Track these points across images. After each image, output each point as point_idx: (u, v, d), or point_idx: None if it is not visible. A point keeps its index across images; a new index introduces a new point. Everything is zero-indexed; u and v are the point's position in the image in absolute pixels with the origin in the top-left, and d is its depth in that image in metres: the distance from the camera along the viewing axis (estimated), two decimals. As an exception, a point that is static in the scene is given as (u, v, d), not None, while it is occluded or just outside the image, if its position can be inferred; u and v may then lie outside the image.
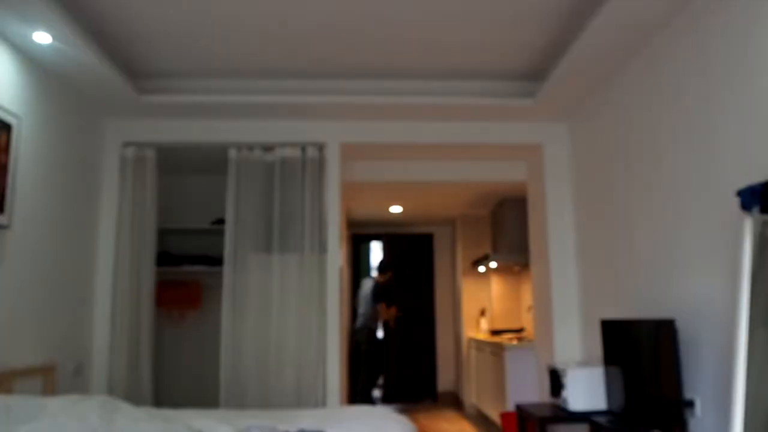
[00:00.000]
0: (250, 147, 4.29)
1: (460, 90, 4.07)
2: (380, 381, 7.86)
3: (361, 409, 3.18)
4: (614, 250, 3.65)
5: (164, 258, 4.83)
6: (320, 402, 4.01)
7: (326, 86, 4.03)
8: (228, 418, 2.70)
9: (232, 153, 4.28)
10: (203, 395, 4.88)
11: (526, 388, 5.13)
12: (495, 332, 6.93)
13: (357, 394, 6.81)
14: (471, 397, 7.06)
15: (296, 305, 4.11)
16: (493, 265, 6.81)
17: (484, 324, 7.25)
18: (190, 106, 4.03)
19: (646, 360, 2.93)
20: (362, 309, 7.04)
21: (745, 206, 2.18)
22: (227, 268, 4.15)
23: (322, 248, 4.20)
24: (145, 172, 4.24)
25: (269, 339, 4.08)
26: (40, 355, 3.37)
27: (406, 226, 8.33)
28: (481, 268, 7.46)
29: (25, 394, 2.83)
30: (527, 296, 6.89)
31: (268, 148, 4.32)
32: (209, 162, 4.83)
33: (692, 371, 2.76)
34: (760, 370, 2.04)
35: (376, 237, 8.47)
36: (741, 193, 2.21)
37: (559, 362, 4.04)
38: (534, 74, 3.97)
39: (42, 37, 3.05)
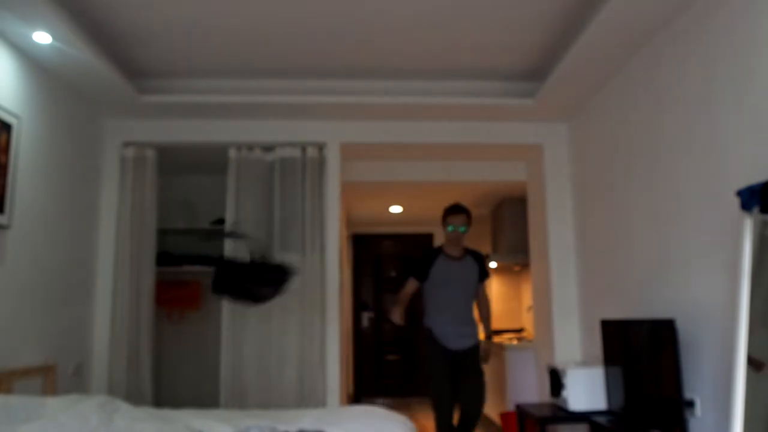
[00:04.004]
0: (250, 147, 4.29)
1: (461, 90, 4.07)
2: None
3: (361, 409, 3.18)
4: (614, 250, 3.65)
5: (164, 258, 4.83)
6: (320, 402, 4.00)
7: (326, 86, 4.03)
8: (228, 418, 2.70)
9: (232, 153, 4.28)
10: (203, 395, 4.88)
11: (526, 388, 5.13)
12: (495, 332, 6.93)
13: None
14: (471, 397, 7.04)
15: (296, 305, 4.10)
16: (493, 265, 6.81)
17: (484, 324, 7.24)
18: (190, 106, 4.03)
19: (646, 360, 2.93)
20: (453, 309, 4.10)
21: (745, 206, 2.18)
22: (227, 268, 4.15)
23: (322, 248, 4.20)
24: (145, 172, 4.24)
25: (269, 339, 4.08)
26: (40, 355, 3.37)
27: (406, 226, 8.33)
28: (481, 268, 7.46)
29: (25, 394, 2.83)
30: (527, 296, 6.89)
31: (268, 148, 4.32)
32: (209, 162, 4.83)
33: (692, 371, 2.76)
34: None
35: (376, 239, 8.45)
36: (741, 193, 2.21)
37: (559, 362, 4.04)
38: (534, 74, 3.97)
39: (42, 37, 3.05)
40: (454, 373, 3.99)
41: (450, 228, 4.15)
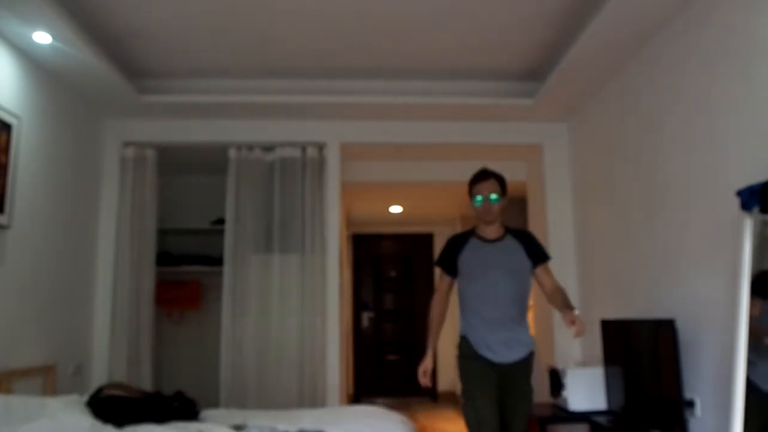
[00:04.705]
0: (250, 147, 4.29)
1: (460, 90, 4.07)
2: None
3: (361, 409, 3.19)
4: (614, 250, 3.65)
5: (164, 258, 4.83)
6: (320, 402, 4.00)
7: (326, 86, 4.03)
8: (228, 418, 2.71)
9: (232, 153, 4.28)
10: (203, 395, 4.88)
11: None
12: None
13: None
14: (471, 397, 7.04)
15: (296, 305, 4.10)
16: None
17: (484, 324, 7.23)
18: (190, 106, 4.03)
19: (646, 360, 2.93)
20: (494, 309, 2.95)
21: (745, 206, 2.18)
22: (227, 268, 4.15)
23: (322, 248, 4.20)
24: (145, 172, 4.24)
25: (269, 339, 4.08)
26: (40, 355, 3.37)
27: (406, 226, 8.33)
28: (481, 268, 7.45)
29: (25, 394, 2.83)
30: (527, 296, 6.88)
31: (268, 148, 4.32)
32: (209, 162, 4.83)
33: (692, 371, 2.76)
34: (760, 370, 2.04)
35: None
36: (741, 193, 2.21)
37: (559, 362, 4.04)
38: (534, 74, 3.97)
39: (42, 37, 3.05)
40: (498, 394, 2.89)
41: (478, 199, 3.01)
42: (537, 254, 3.05)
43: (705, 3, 2.71)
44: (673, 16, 2.92)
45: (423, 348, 3.17)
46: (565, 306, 2.84)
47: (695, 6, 2.77)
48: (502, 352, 2.89)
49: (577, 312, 2.73)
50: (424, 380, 2.98)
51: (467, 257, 3.03)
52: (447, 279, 3.11)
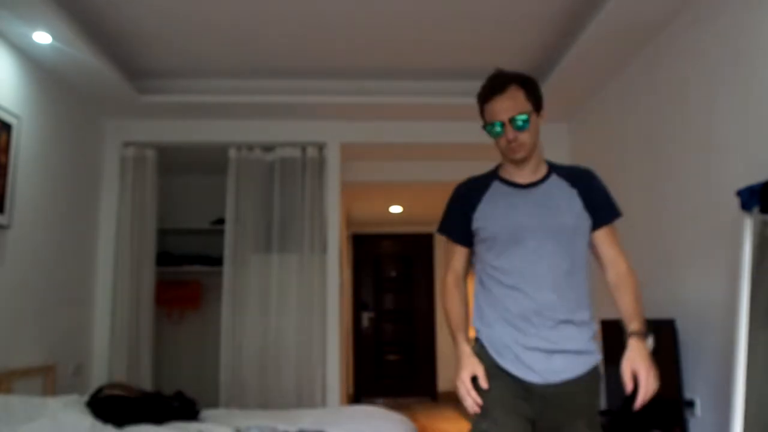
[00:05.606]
0: (250, 147, 4.29)
1: (461, 90, 4.06)
2: None
3: (361, 409, 3.19)
4: (614, 250, 3.64)
5: (164, 258, 4.83)
6: (320, 402, 4.01)
7: (326, 86, 4.03)
8: (228, 418, 2.70)
9: (232, 153, 4.28)
10: (203, 395, 4.87)
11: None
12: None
13: None
14: (471, 397, 7.03)
15: (296, 305, 4.11)
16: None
17: (484, 324, 7.22)
18: (190, 106, 4.03)
19: (646, 360, 2.93)
20: (527, 292, 1.85)
21: (745, 206, 2.18)
22: (227, 268, 4.15)
23: (322, 248, 4.20)
24: (145, 172, 4.24)
25: (269, 339, 4.08)
26: (40, 355, 3.37)
27: (406, 226, 8.33)
28: (481, 268, 7.44)
29: (25, 394, 2.83)
30: (527, 296, 6.87)
31: (268, 148, 4.32)
32: (209, 162, 4.83)
33: (692, 371, 2.76)
34: (760, 370, 2.04)
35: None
36: (741, 193, 2.21)
37: (559, 362, 4.04)
38: (534, 74, 3.96)
39: (42, 37, 3.05)
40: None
41: (496, 130, 1.97)
42: (600, 206, 1.91)
43: (705, 3, 2.71)
44: (674, 17, 2.92)
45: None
46: (636, 322, 1.87)
47: (695, 6, 2.77)
48: (539, 365, 1.79)
49: (650, 344, 1.71)
50: (471, 397, 1.76)
51: (488, 212, 1.92)
52: (461, 251, 1.99)
